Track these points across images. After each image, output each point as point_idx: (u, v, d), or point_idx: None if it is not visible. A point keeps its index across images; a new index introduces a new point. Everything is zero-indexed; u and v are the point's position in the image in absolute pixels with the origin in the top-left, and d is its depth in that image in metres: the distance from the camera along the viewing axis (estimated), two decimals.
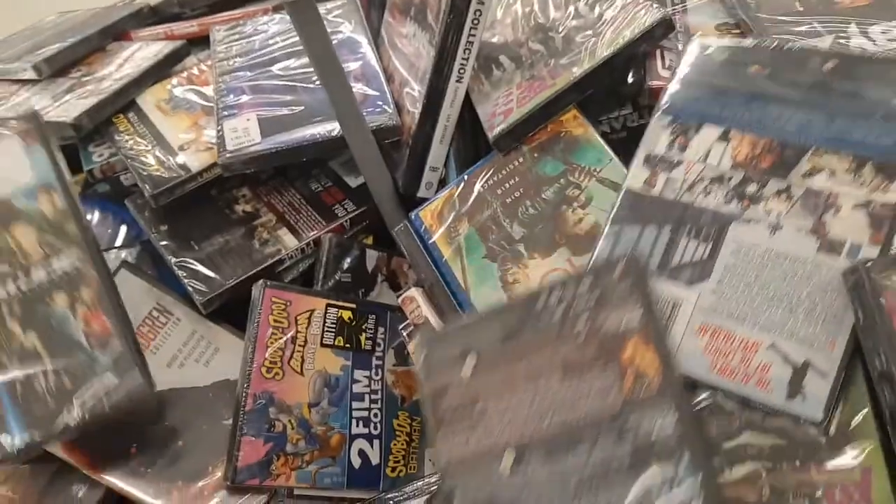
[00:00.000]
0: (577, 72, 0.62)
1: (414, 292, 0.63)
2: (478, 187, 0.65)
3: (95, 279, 0.60)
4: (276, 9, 0.89)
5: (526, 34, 0.71)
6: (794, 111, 0.52)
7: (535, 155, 0.63)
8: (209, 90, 0.81)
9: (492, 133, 0.64)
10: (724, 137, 0.54)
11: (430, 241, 0.65)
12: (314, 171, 0.79)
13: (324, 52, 0.61)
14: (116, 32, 0.95)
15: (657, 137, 0.56)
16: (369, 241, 0.77)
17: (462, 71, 0.66)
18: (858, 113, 0.50)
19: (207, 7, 0.96)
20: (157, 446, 0.66)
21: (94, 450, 0.65)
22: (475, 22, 0.64)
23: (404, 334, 0.63)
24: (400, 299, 0.64)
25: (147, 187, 0.71)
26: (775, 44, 0.56)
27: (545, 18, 0.71)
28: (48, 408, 0.58)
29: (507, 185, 0.64)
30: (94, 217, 0.83)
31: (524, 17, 0.73)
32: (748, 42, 0.57)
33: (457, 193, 0.66)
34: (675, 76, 0.58)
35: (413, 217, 0.67)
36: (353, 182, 0.78)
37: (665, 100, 0.57)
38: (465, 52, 0.65)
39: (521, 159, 0.64)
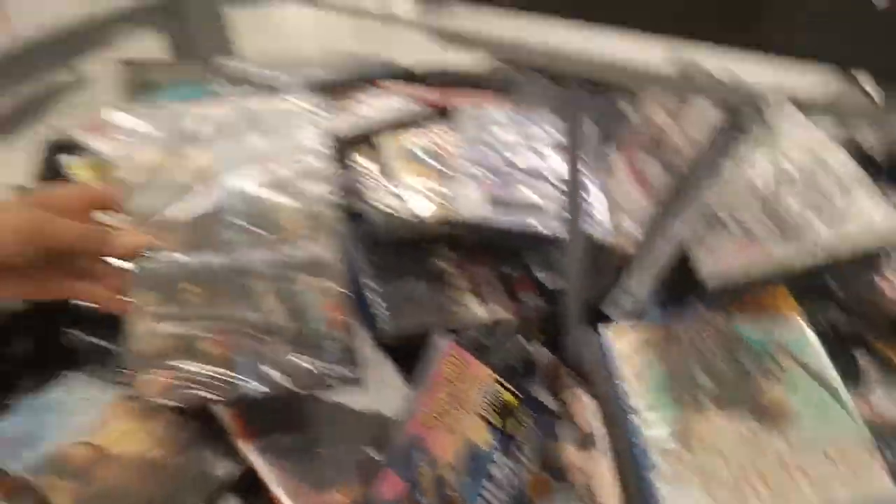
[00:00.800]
0: (801, 261, 0.66)
1: (589, 400, 0.65)
2: (675, 328, 0.68)
3: (341, 273, 0.65)
4: (516, 106, 0.98)
5: (755, 200, 0.75)
6: None
7: (740, 319, 0.66)
8: (445, 155, 0.89)
9: (707, 282, 0.68)
10: None
11: (616, 362, 0.68)
12: (513, 258, 0.85)
13: (582, 160, 0.67)
14: (369, 78, 1.06)
15: None
16: (541, 338, 0.81)
17: (691, 217, 0.71)
18: None
19: (454, 83, 1.07)
20: (303, 446, 0.70)
21: (254, 426, 0.70)
22: (715, 175, 0.69)
23: (562, 437, 0.66)
24: (572, 402, 0.67)
25: (377, 222, 0.78)
26: None
27: (774, 189, 0.75)
28: (274, 366, 0.62)
29: (704, 336, 0.67)
30: None
31: (754, 184, 0.77)
32: None
33: (652, 328, 0.69)
34: None
35: (601, 329, 0.70)
36: (546, 280, 0.83)
37: None
38: (697, 201, 0.70)
39: (724, 317, 0.67)
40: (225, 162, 0.66)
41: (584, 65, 0.60)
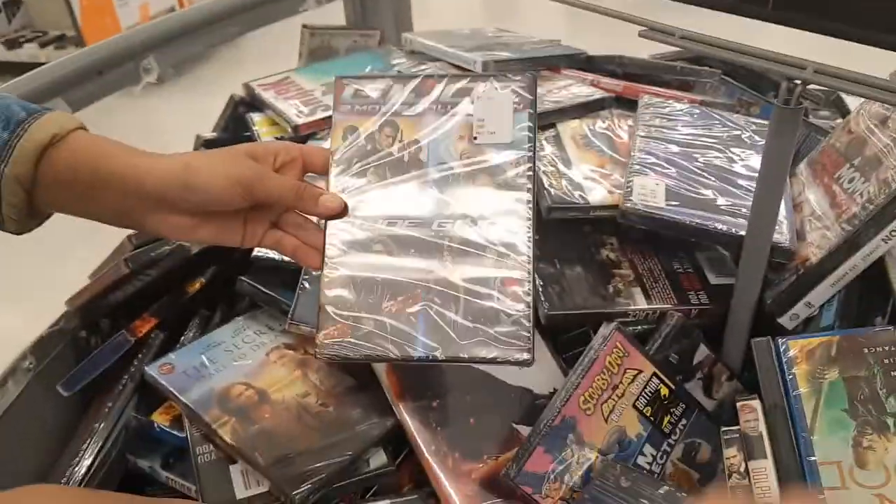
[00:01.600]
0: None
1: (757, 404, 0.63)
2: (863, 348, 0.63)
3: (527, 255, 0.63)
4: (703, 103, 0.95)
5: None
6: None
7: None
8: (621, 144, 0.88)
9: None
10: None
11: (789, 371, 0.65)
12: (680, 254, 0.83)
13: (780, 161, 0.64)
14: (550, 64, 1.07)
15: None
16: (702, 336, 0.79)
17: (894, 234, 0.66)
18: None
19: (636, 75, 1.05)
20: (455, 413, 0.72)
21: (409, 387, 0.74)
22: None
23: (724, 438, 0.64)
24: (740, 404, 0.64)
25: (547, 199, 0.78)
26: None
27: None
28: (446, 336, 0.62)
29: (894, 357, 0.62)
30: None
31: None
32: None
33: (836, 342, 0.65)
34: None
35: (781, 342, 0.67)
36: (713, 279, 0.80)
37: None
38: None
39: None
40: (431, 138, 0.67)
41: (799, 67, 0.57)
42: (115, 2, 3.04)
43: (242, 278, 0.85)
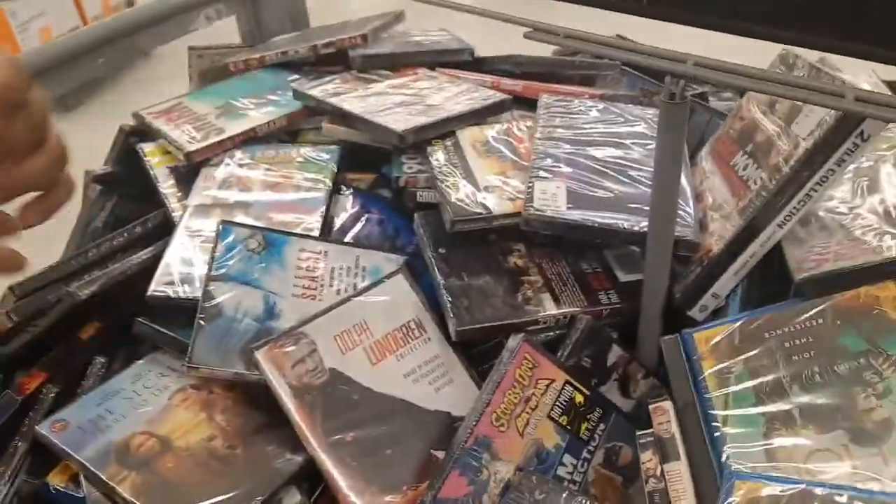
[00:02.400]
0: None
1: (669, 406, 0.62)
2: (765, 332, 0.63)
3: None
4: (604, 97, 0.94)
5: (859, 199, 0.69)
6: None
7: (838, 322, 0.61)
8: (522, 148, 0.87)
9: (799, 275, 0.63)
10: None
11: (698, 368, 0.64)
12: (587, 254, 0.81)
13: (673, 156, 0.63)
14: (440, 63, 1.05)
15: None
16: (614, 336, 0.78)
17: (788, 219, 0.66)
18: None
19: (536, 74, 1.04)
20: (370, 446, 0.69)
21: (320, 421, 0.70)
22: (823, 179, 0.64)
23: (639, 442, 0.63)
24: (652, 406, 0.63)
25: (450, 212, 0.76)
26: None
27: (885, 186, 0.69)
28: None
29: (797, 342, 0.62)
30: (374, 215, 0.91)
31: (859, 184, 0.71)
32: None
33: (738, 329, 0.64)
34: None
35: (685, 335, 0.66)
36: (623, 276, 0.79)
37: None
38: (799, 203, 0.65)
39: (820, 320, 0.62)
40: None
41: (679, 61, 0.56)
42: (14, 27, 2.89)
43: (140, 319, 0.80)
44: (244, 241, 0.81)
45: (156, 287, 0.80)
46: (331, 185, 0.91)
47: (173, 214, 0.92)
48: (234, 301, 0.77)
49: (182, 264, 0.83)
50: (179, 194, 0.95)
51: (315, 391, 0.71)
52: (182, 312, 0.79)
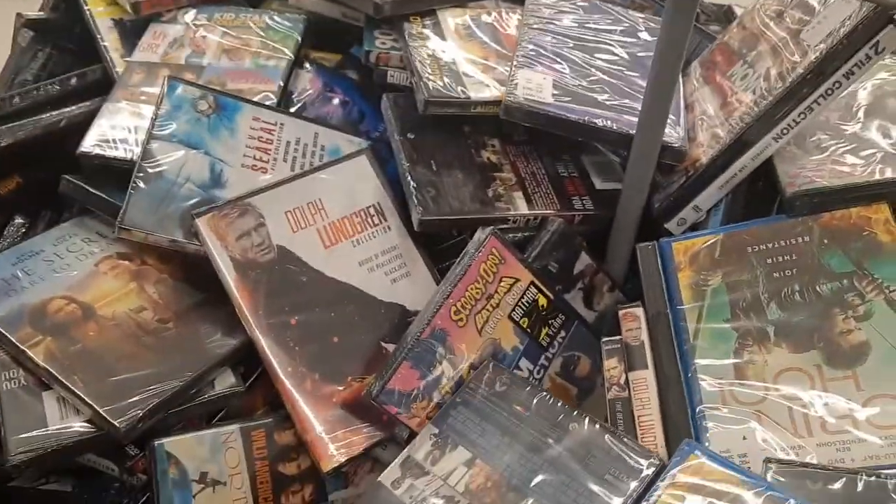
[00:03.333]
0: None
1: (640, 312, 0.58)
2: (747, 247, 0.60)
3: None
4: None
5: (857, 122, 0.66)
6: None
7: (826, 241, 0.58)
8: (507, 38, 0.80)
9: (790, 190, 0.59)
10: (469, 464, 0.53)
11: (673, 277, 0.61)
12: (564, 157, 0.76)
13: (674, 52, 0.58)
14: None
15: (421, 443, 0.56)
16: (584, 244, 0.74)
17: (785, 132, 0.62)
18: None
19: None
20: (315, 332, 0.64)
21: (263, 301, 0.64)
22: (828, 92, 0.60)
23: (605, 349, 0.59)
24: (622, 312, 0.60)
25: (424, 92, 0.70)
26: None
27: (885, 112, 0.66)
28: None
29: (779, 258, 0.58)
30: (337, 96, 0.83)
31: (858, 107, 0.68)
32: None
33: (720, 242, 0.61)
34: None
35: (664, 244, 0.63)
36: (599, 184, 0.75)
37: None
38: (799, 116, 0.61)
39: (806, 238, 0.58)
40: None
41: None
42: None
43: (67, 177, 0.72)
44: (193, 102, 0.73)
45: (88, 145, 0.72)
46: (293, 56, 0.83)
47: (115, 70, 0.82)
48: (176, 164, 0.69)
49: (120, 124, 0.74)
50: (122, 51, 0.85)
51: (259, 268, 0.66)
52: (115, 176, 0.71)
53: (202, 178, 0.69)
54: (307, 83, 0.84)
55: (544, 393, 0.56)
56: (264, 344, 0.63)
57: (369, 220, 0.70)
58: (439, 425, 0.57)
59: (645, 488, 0.48)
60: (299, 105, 0.81)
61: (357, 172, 0.71)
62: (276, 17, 0.87)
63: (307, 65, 0.85)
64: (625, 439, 0.52)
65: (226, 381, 0.63)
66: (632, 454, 0.50)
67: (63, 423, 0.58)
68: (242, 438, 0.60)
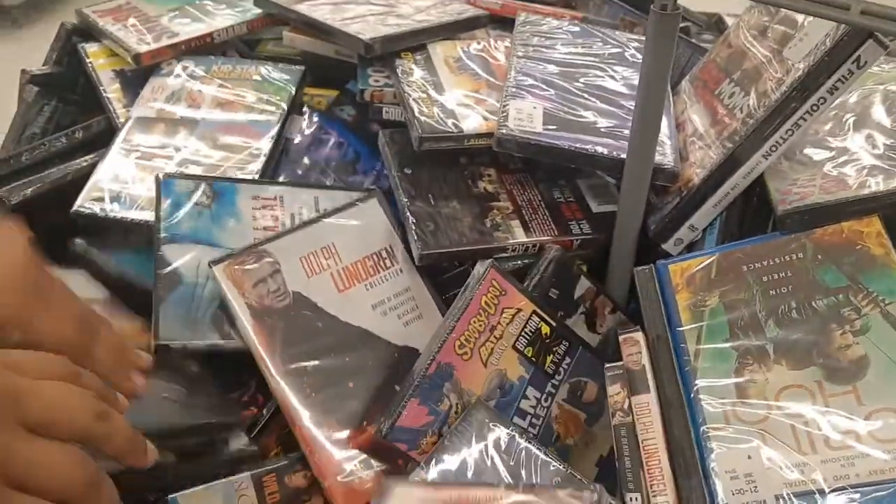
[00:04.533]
0: None
1: (640, 337, 0.59)
2: (742, 266, 0.60)
3: None
4: (584, 20, 0.89)
5: (846, 135, 0.66)
6: None
7: (819, 257, 0.58)
8: (498, 67, 0.81)
9: (782, 207, 0.60)
10: None
11: (671, 300, 0.61)
12: (560, 182, 0.78)
13: (660, 72, 0.59)
14: None
15: None
16: (583, 268, 0.75)
17: (774, 149, 0.63)
18: None
19: None
20: (331, 377, 0.65)
21: (283, 347, 0.65)
22: (814, 108, 0.60)
23: (608, 375, 0.60)
24: (622, 337, 0.60)
25: (417, 129, 0.71)
26: None
27: (872, 122, 0.66)
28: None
29: (775, 276, 0.59)
30: (332, 138, 0.85)
31: (846, 120, 0.68)
32: None
33: (715, 262, 0.62)
34: None
35: (660, 266, 0.63)
36: (595, 207, 0.76)
37: None
38: (787, 133, 0.62)
39: (800, 254, 0.59)
40: None
41: None
42: None
43: (79, 240, 0.73)
44: (190, 195, 0.72)
45: (82, 202, 0.74)
46: (286, 108, 0.84)
47: (118, 121, 0.84)
48: (192, 265, 0.69)
49: (114, 181, 0.76)
50: (125, 101, 0.87)
51: (276, 315, 0.67)
52: (111, 232, 0.73)
53: None
54: (302, 127, 0.85)
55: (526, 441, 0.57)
56: (284, 389, 0.64)
57: (381, 263, 0.71)
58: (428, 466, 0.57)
59: None
60: (294, 150, 0.83)
61: (368, 216, 0.73)
62: (271, 70, 0.89)
63: (303, 109, 0.87)
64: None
65: (239, 442, 0.64)
66: None
67: None
68: (254, 485, 0.61)
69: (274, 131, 0.82)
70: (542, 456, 0.56)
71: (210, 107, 0.84)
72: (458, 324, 0.62)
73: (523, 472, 0.56)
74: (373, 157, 0.82)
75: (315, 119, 0.86)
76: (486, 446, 0.57)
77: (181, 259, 0.69)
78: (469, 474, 0.56)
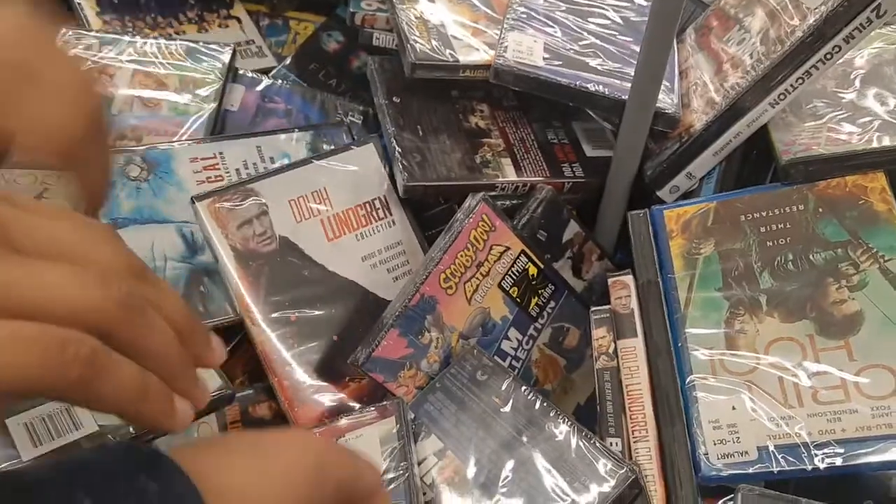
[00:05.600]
0: None
1: (630, 280, 0.57)
2: (740, 215, 0.59)
3: None
4: None
5: (854, 90, 0.64)
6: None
7: (821, 210, 0.57)
8: (498, 1, 0.78)
9: (786, 157, 0.58)
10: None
11: (665, 246, 0.59)
12: (555, 123, 0.75)
13: (668, 20, 0.56)
14: None
15: None
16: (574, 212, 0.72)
17: (782, 97, 0.60)
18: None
19: None
20: (316, 329, 0.62)
21: (267, 293, 0.62)
22: (827, 57, 0.58)
23: (594, 318, 0.58)
24: (612, 280, 0.58)
25: (411, 55, 0.67)
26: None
27: (882, 80, 0.64)
28: None
29: (773, 227, 0.57)
30: (278, 105, 0.79)
31: (856, 75, 0.66)
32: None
33: (713, 210, 0.60)
34: None
35: (655, 211, 0.61)
36: (590, 151, 0.73)
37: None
38: (797, 81, 0.59)
39: (801, 206, 0.57)
40: None
41: None
42: None
43: None
44: (123, 171, 0.66)
45: None
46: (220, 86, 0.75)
47: None
48: (146, 247, 0.63)
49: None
50: None
51: (262, 259, 0.63)
52: None
53: (178, 251, 0.65)
54: (238, 99, 0.78)
55: (524, 387, 0.55)
56: (266, 339, 0.60)
57: (374, 213, 0.67)
58: (416, 410, 0.56)
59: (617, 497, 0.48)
60: (235, 127, 0.76)
61: (363, 161, 0.69)
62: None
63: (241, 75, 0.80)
64: (597, 444, 0.51)
65: (214, 384, 0.59)
66: (604, 461, 0.50)
67: None
68: (215, 414, 0.58)
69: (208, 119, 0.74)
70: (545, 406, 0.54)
71: (126, 100, 0.73)
72: (445, 256, 0.59)
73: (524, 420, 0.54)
74: (322, 120, 0.78)
75: (254, 87, 0.79)
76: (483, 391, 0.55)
77: (132, 244, 0.62)
78: (465, 418, 0.54)
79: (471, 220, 0.60)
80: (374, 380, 0.57)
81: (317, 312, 0.63)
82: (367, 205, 0.67)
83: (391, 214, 0.68)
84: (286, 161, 0.70)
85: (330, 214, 0.66)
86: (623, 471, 0.49)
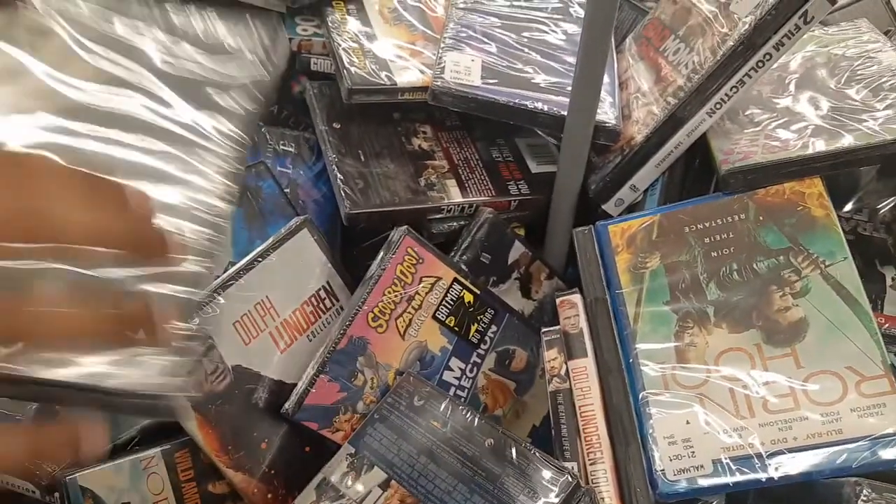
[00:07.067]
0: (842, 144, 0.56)
1: (578, 299, 0.57)
2: (684, 227, 0.58)
3: None
4: None
5: (789, 95, 0.65)
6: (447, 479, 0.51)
7: (761, 218, 0.57)
8: (436, 19, 0.77)
9: (725, 167, 0.58)
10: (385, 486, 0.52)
11: (611, 262, 0.59)
12: (499, 141, 0.74)
13: (602, 23, 0.56)
14: None
15: (337, 464, 0.54)
16: (521, 231, 0.72)
17: (718, 106, 0.60)
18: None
19: None
20: (286, 452, 0.57)
21: (231, 435, 0.56)
22: (759, 64, 0.58)
23: (545, 339, 0.57)
24: (560, 299, 0.58)
25: (347, 80, 0.66)
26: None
27: (815, 84, 0.65)
28: None
29: (717, 237, 0.57)
30: None
31: (790, 80, 0.67)
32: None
33: (657, 223, 0.60)
34: None
35: (600, 227, 0.61)
36: (535, 167, 0.73)
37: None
38: (731, 90, 0.60)
39: (742, 215, 0.57)
40: None
41: None
42: None
43: None
44: None
45: None
46: None
47: None
48: None
49: None
50: None
51: (220, 399, 0.56)
52: None
53: None
54: None
55: (461, 407, 0.54)
56: (241, 479, 0.56)
57: (321, 305, 0.62)
58: (356, 444, 0.54)
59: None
60: None
61: (300, 252, 0.62)
62: None
63: None
64: (537, 454, 0.50)
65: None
66: (545, 470, 0.49)
67: None
68: (165, 461, 0.56)
69: None
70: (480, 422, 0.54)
71: None
72: (370, 296, 0.57)
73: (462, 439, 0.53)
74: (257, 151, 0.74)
75: None
76: (421, 417, 0.54)
77: None
78: (406, 446, 0.53)
79: (395, 254, 0.59)
80: (308, 428, 0.55)
81: (285, 435, 0.58)
82: (313, 298, 0.62)
83: (338, 301, 0.63)
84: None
85: (277, 322, 0.60)
86: (564, 478, 0.49)
